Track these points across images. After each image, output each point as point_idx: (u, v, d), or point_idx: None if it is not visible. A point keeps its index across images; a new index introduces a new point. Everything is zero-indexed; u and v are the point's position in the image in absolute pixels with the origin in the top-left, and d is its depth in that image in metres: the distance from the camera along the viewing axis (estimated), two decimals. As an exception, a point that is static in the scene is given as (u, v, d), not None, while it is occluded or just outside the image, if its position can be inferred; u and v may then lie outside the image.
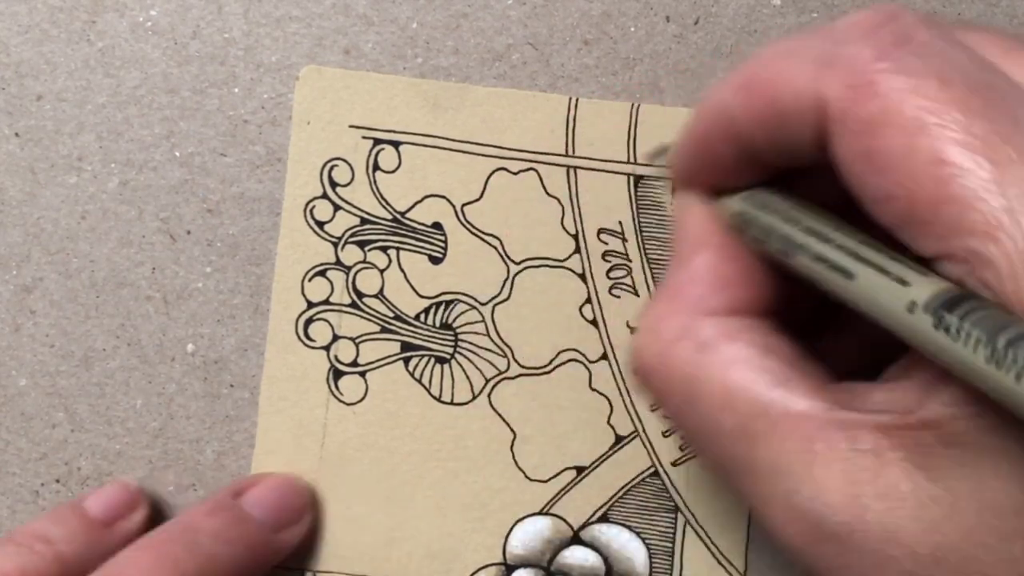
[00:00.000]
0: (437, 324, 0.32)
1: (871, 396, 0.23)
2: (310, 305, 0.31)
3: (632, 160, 0.32)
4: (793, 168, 0.25)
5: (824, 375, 0.23)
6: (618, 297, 0.32)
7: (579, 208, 0.32)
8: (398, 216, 0.32)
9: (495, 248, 0.32)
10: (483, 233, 0.32)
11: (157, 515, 0.31)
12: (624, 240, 0.32)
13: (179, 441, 0.31)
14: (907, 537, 0.20)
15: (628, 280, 0.32)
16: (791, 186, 0.25)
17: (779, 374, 0.23)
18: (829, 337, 0.27)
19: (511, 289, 0.32)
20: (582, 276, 0.32)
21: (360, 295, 0.31)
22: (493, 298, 0.32)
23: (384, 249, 0.32)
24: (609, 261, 0.32)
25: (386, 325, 0.32)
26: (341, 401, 0.31)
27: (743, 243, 0.25)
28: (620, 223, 0.32)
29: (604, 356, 0.31)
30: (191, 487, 0.31)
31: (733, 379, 0.23)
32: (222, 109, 0.31)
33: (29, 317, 0.31)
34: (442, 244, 0.32)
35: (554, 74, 0.32)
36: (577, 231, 0.32)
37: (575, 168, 0.32)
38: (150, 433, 0.31)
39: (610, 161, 0.32)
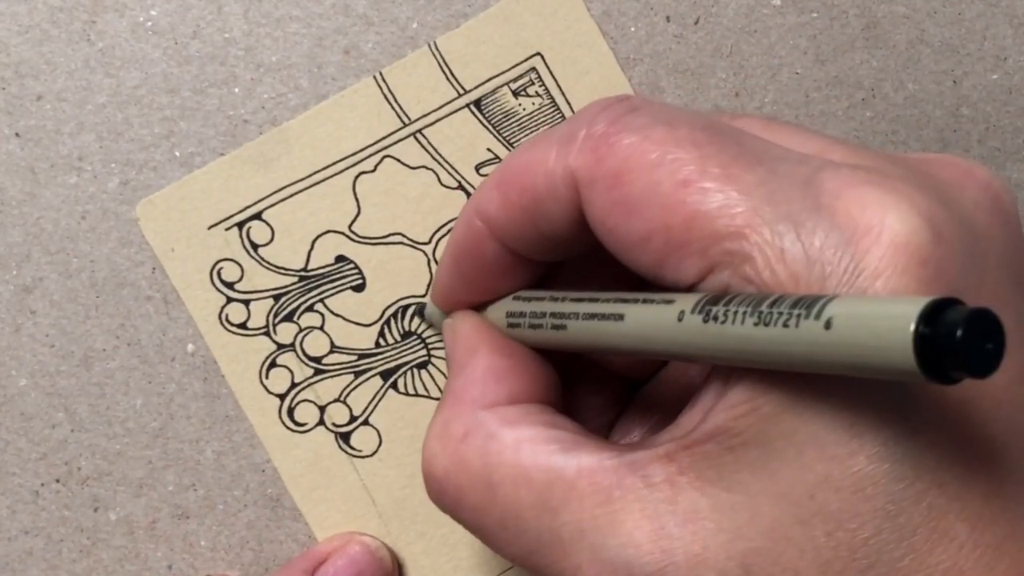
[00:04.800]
0: (399, 338, 0.32)
1: (658, 437, 0.23)
2: (281, 397, 0.31)
3: (462, 91, 0.32)
4: (552, 262, 0.27)
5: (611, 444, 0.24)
6: None
7: (447, 161, 0.32)
8: (302, 274, 0.31)
9: (402, 243, 0.32)
10: (382, 237, 0.32)
11: (158, 515, 0.31)
12: (501, 161, 0.32)
13: (179, 441, 0.31)
14: (714, 555, 0.21)
15: None
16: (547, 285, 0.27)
17: (567, 442, 0.24)
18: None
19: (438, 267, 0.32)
20: None
21: (317, 359, 0.31)
22: (428, 284, 0.32)
23: (310, 308, 0.31)
24: None
25: (356, 369, 0.31)
26: (363, 457, 0.32)
27: (516, 340, 0.27)
28: (489, 149, 0.32)
29: None
30: (191, 487, 0.31)
31: (524, 456, 0.24)
32: (222, 109, 0.31)
33: (29, 317, 0.31)
34: (355, 271, 0.31)
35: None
36: (459, 181, 0.32)
37: (420, 131, 0.31)
38: (150, 433, 0.31)
39: (444, 105, 0.32)
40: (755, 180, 0.21)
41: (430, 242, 0.32)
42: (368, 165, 0.31)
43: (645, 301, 0.23)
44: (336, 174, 0.31)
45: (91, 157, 0.31)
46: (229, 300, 0.31)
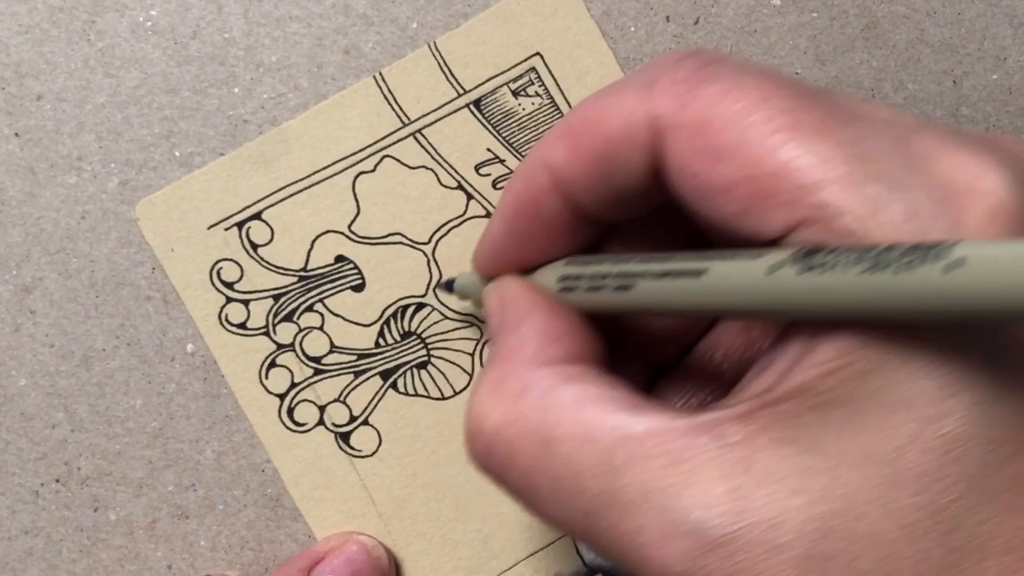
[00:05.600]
0: (399, 338, 0.32)
1: (729, 399, 0.22)
2: (281, 397, 0.31)
3: (461, 91, 0.32)
4: (615, 223, 0.26)
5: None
6: None
7: (446, 161, 0.32)
8: (302, 274, 0.31)
9: (401, 243, 0.32)
10: (382, 237, 0.32)
11: (158, 515, 0.31)
12: (501, 160, 0.32)
13: (179, 441, 0.31)
14: (793, 517, 0.20)
15: None
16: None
17: (632, 402, 0.23)
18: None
19: (438, 267, 0.32)
20: (488, 214, 0.32)
21: (317, 359, 0.31)
22: (429, 284, 0.32)
23: (310, 308, 0.31)
24: (500, 187, 0.32)
25: (356, 369, 0.31)
26: (363, 457, 0.32)
27: (569, 305, 0.26)
28: (489, 149, 0.32)
29: None
30: (191, 487, 0.31)
31: (588, 412, 0.22)
32: (222, 109, 0.31)
33: (29, 317, 0.31)
34: (355, 271, 0.31)
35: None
36: (458, 181, 0.32)
37: (420, 131, 0.32)
38: (150, 433, 0.31)
39: (443, 105, 0.32)
40: (851, 135, 0.21)
41: (430, 242, 0.32)
42: (368, 165, 0.31)
43: (728, 257, 0.22)
44: (336, 174, 0.31)
45: (91, 157, 0.31)
46: (229, 300, 0.31)
